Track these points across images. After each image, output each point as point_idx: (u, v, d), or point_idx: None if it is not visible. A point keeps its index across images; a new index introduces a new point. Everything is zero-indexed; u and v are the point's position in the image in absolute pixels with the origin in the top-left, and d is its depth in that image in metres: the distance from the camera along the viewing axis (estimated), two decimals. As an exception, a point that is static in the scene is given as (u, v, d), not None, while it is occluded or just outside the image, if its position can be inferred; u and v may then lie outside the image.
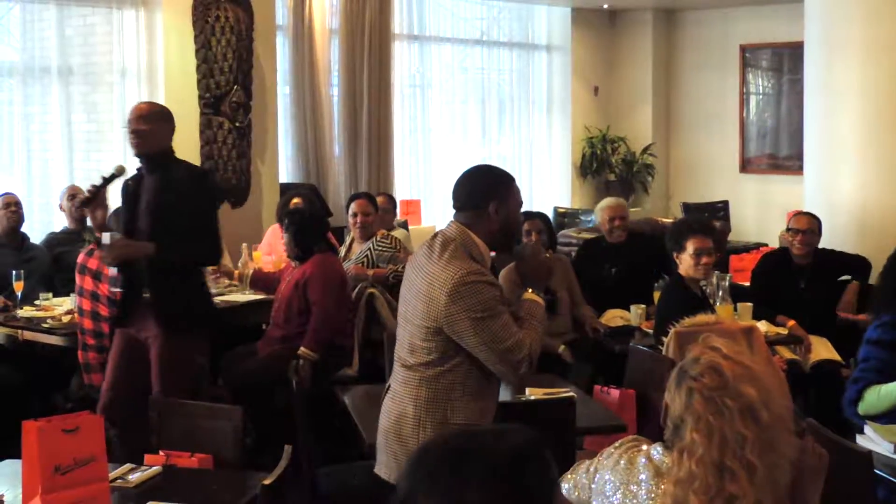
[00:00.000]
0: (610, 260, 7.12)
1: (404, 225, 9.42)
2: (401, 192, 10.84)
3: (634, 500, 2.54)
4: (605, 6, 13.01)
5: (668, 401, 2.56)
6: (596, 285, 6.95)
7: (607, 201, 7.52)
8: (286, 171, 9.97)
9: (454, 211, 3.77)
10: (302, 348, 6.03)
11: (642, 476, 2.55)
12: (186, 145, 8.34)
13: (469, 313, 3.49)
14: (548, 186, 13.07)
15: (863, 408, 4.22)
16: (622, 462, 2.61)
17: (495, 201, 3.66)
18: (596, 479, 2.65)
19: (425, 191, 11.80)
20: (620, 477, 2.59)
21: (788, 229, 6.79)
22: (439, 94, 12.18)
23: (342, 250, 7.47)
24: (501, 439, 1.87)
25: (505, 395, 4.11)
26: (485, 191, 3.71)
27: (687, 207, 11.95)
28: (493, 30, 12.79)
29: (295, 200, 7.64)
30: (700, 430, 2.44)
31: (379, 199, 8.24)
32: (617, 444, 2.73)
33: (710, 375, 2.47)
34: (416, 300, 3.62)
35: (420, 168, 11.92)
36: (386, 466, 3.73)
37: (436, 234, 3.72)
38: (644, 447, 2.65)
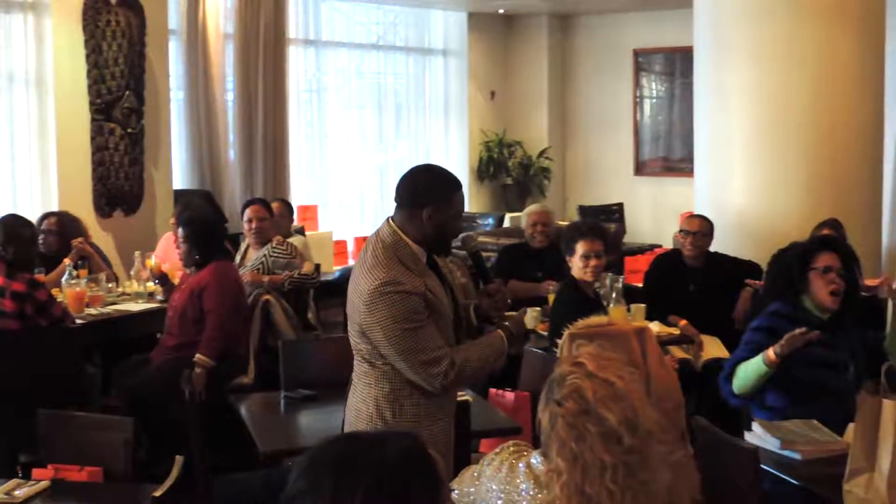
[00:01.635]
0: (534, 264, 7.17)
1: (301, 231, 9.37)
2: (297, 198, 10.79)
3: None
4: (501, 11, 13.10)
5: (539, 414, 2.55)
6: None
7: (532, 207, 7.64)
8: (180, 177, 9.86)
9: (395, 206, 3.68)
10: (197, 356, 5.96)
11: (523, 486, 2.54)
12: (77, 152, 8.24)
13: (382, 324, 3.41)
14: (445, 191, 13.10)
15: (736, 385, 4.33)
16: (503, 470, 2.61)
17: (431, 206, 3.54)
18: (479, 487, 2.65)
19: (322, 196, 11.76)
20: (502, 486, 2.59)
21: (680, 231, 6.91)
22: (335, 99, 12.17)
23: (237, 257, 7.41)
24: (386, 445, 1.88)
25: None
26: (423, 193, 3.59)
27: (583, 210, 12.09)
28: (390, 34, 12.80)
29: (187, 208, 7.57)
30: (564, 456, 2.42)
31: (275, 206, 8.18)
32: (497, 449, 2.71)
33: (572, 400, 2.44)
34: (351, 298, 3.57)
35: (317, 173, 11.88)
36: None
37: (375, 233, 3.64)
38: (525, 453, 2.65)
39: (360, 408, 3.58)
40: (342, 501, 1.80)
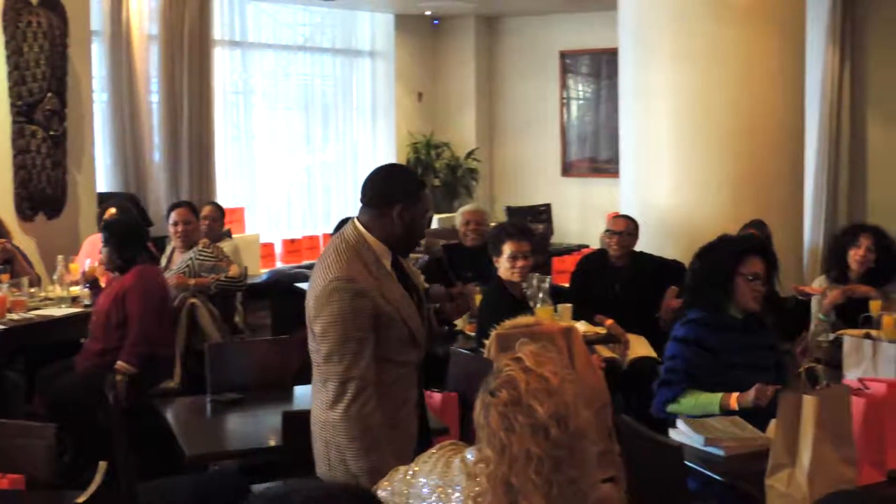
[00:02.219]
0: (467, 264, 7.19)
1: (228, 234, 9.30)
2: (224, 201, 10.70)
3: (448, 501, 2.55)
4: (428, 13, 13.11)
5: (475, 409, 2.57)
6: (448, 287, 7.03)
7: (466, 207, 7.70)
8: (104, 180, 9.74)
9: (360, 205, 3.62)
10: (119, 362, 5.89)
11: (457, 480, 2.56)
12: (-3, 155, 8.09)
13: (327, 320, 3.37)
14: (373, 192, 13.07)
15: (680, 408, 4.35)
16: (439, 466, 2.63)
17: (401, 205, 3.51)
18: (414, 484, 2.66)
19: (249, 199, 11.69)
20: (437, 480, 2.60)
21: (606, 231, 6.96)
22: (262, 101, 12.10)
23: (163, 260, 7.34)
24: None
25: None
26: (392, 193, 3.55)
27: (511, 211, 12.13)
28: (317, 36, 12.75)
29: (110, 211, 7.49)
30: (493, 446, 2.44)
31: (206, 209, 8.14)
32: (434, 448, 2.73)
33: (505, 390, 2.45)
34: (307, 298, 3.52)
35: (243, 176, 11.80)
36: (318, 469, 3.53)
37: (339, 234, 3.59)
38: (460, 451, 2.67)
39: (316, 415, 3.53)
40: None
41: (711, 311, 4.51)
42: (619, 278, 6.83)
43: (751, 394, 4.23)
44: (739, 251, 4.58)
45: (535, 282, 6.12)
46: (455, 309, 3.78)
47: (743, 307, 4.49)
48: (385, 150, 13.18)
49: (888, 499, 3.53)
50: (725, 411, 4.26)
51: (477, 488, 2.47)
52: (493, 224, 7.63)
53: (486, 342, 5.17)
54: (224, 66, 11.34)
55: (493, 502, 2.42)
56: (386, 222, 3.52)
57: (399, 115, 13.17)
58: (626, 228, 6.89)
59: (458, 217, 7.58)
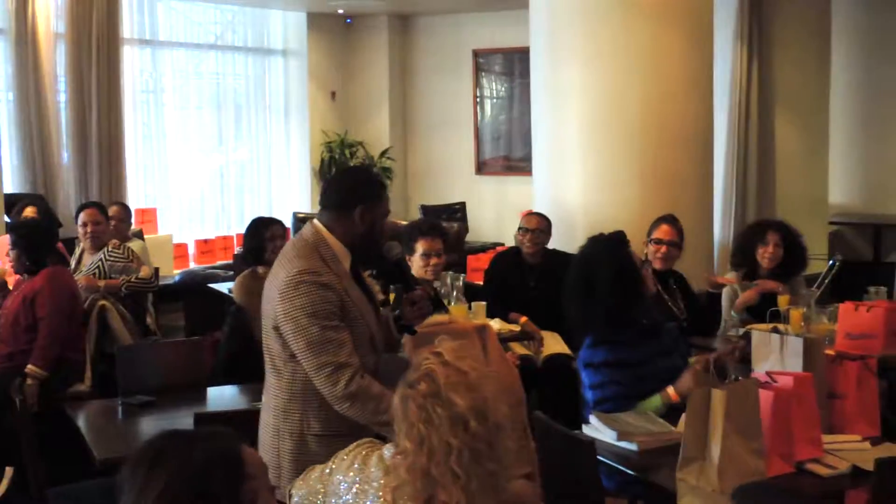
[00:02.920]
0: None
1: (139, 234, 9.19)
2: (135, 201, 10.57)
3: (365, 498, 2.55)
4: (341, 11, 13.06)
5: (393, 402, 2.58)
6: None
7: None
8: (11, 180, 9.56)
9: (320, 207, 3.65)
10: (28, 366, 5.80)
11: (375, 474, 2.56)
12: None
13: (295, 314, 3.35)
14: (287, 192, 13.01)
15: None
16: (356, 463, 2.62)
17: (362, 206, 3.52)
18: (331, 482, 2.65)
19: (161, 199, 11.55)
20: (354, 477, 2.60)
21: (519, 228, 7.00)
22: (173, 100, 11.97)
23: (73, 261, 7.23)
24: (196, 444, 2.06)
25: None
26: (353, 194, 3.55)
27: (425, 210, 12.15)
28: (228, 34, 12.64)
29: (28, 212, 7.37)
30: (412, 438, 2.45)
31: (113, 209, 8.02)
32: (352, 446, 2.73)
33: (424, 382, 2.47)
34: (267, 293, 3.51)
35: (155, 176, 11.66)
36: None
37: (298, 233, 3.59)
38: (377, 448, 2.67)
39: (266, 420, 3.53)
40: (147, 490, 1.99)
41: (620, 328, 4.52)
42: (532, 276, 6.87)
43: (687, 380, 4.28)
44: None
45: (448, 280, 6.13)
46: (414, 312, 3.75)
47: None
48: (299, 150, 13.11)
49: (797, 489, 3.60)
50: (668, 405, 4.30)
51: (395, 482, 2.47)
52: (403, 223, 7.63)
53: (402, 341, 5.18)
54: (134, 64, 11.19)
55: (412, 494, 2.43)
56: (347, 224, 3.52)
57: (313, 114, 13.11)
58: (539, 226, 6.94)
59: None
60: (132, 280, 7.06)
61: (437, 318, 5.26)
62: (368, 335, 3.53)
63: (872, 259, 11.05)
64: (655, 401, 4.32)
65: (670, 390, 4.32)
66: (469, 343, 3.62)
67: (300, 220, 11.93)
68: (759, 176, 10.70)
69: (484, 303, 6.39)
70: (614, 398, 4.35)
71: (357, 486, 2.58)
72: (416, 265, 5.75)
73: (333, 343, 3.36)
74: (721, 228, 10.22)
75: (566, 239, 7.19)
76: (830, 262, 6.39)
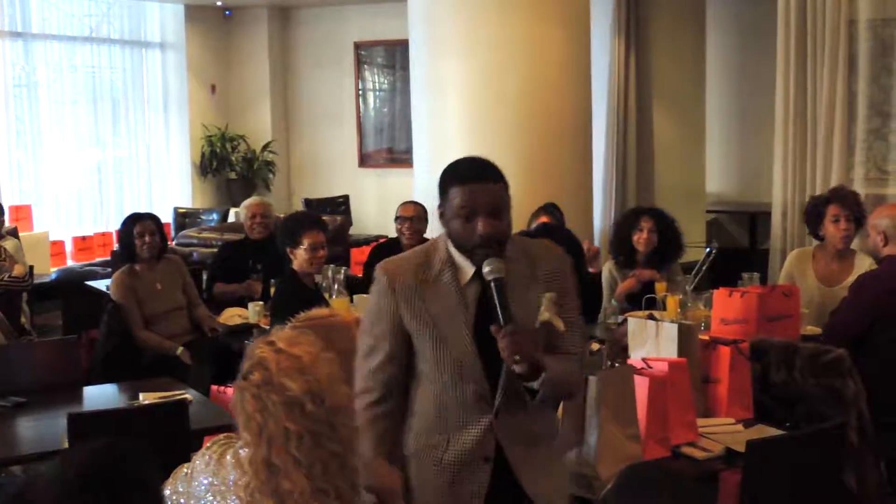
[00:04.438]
0: (254, 257, 7.08)
1: (13, 232, 8.96)
2: (9, 198, 10.31)
3: (225, 500, 2.51)
4: (219, 3, 12.91)
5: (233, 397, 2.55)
6: (241, 281, 6.95)
7: (250, 200, 7.57)
8: None
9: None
10: None
11: (231, 476, 2.51)
12: None
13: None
14: (167, 187, 12.82)
15: None
16: (213, 463, 2.57)
17: (441, 203, 3.01)
18: (192, 484, 2.60)
19: (37, 195, 11.29)
20: (211, 478, 2.55)
21: (397, 218, 6.99)
22: (48, 94, 11.69)
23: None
24: (69, 460, 2.01)
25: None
26: (439, 189, 3.06)
27: (308, 203, 12.09)
28: (103, 26, 12.39)
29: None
30: (251, 429, 2.42)
31: (-16, 207, 7.82)
32: (209, 443, 2.68)
33: (256, 371, 2.45)
34: None
35: (30, 172, 11.39)
36: None
37: None
38: (233, 444, 2.61)
39: None
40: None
41: None
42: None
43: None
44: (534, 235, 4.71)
45: (330, 273, 6.10)
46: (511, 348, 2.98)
47: None
48: (179, 144, 12.93)
49: (673, 472, 3.66)
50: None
51: (244, 479, 2.44)
52: (280, 216, 7.57)
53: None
54: (6, 57, 10.93)
55: (257, 486, 2.40)
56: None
57: (192, 108, 12.93)
58: (415, 213, 6.95)
59: (242, 211, 7.47)
60: (5, 279, 6.89)
61: (319, 311, 5.25)
62: (451, 360, 2.95)
63: (748, 246, 11.30)
64: None
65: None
66: (334, 336, 3.59)
67: (181, 215, 11.77)
68: (638, 166, 10.86)
69: (367, 295, 6.35)
70: None
71: (215, 487, 2.53)
72: (301, 258, 5.70)
73: (361, 351, 3.08)
74: (601, 217, 10.35)
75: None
76: (707, 249, 6.50)
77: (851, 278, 5.77)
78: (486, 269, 2.89)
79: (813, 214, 6.14)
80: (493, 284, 2.87)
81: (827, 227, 5.99)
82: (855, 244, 6.30)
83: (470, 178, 2.97)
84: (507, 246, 2.96)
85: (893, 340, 5.03)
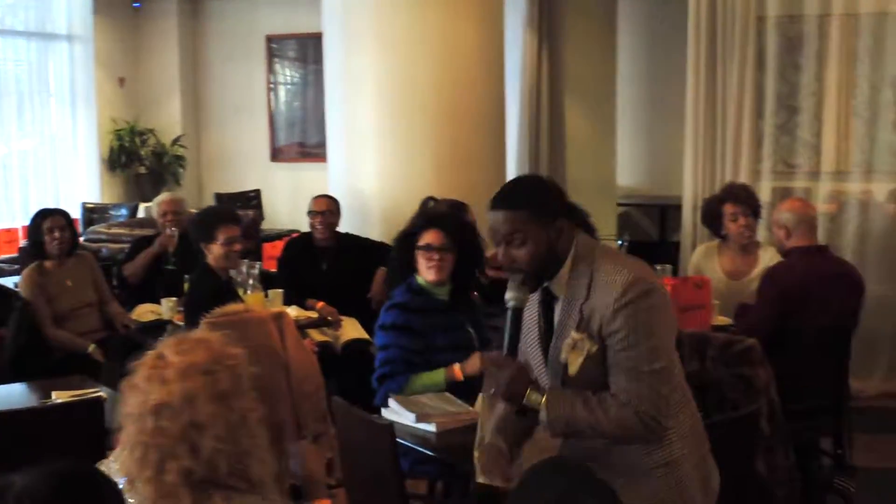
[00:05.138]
0: (165, 253, 7.00)
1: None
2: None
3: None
4: (128, -6, 12.73)
5: None
6: (151, 279, 6.86)
7: (162, 196, 7.49)
8: None
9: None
10: None
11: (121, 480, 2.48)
12: None
13: None
14: (75, 182, 12.57)
15: (408, 392, 4.39)
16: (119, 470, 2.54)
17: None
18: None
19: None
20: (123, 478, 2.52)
21: (309, 212, 6.96)
22: (-51, 88, 11.41)
23: None
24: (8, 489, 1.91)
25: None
26: None
27: (220, 198, 11.98)
28: (7, 18, 12.10)
29: None
30: (122, 434, 2.39)
31: None
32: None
33: (136, 373, 2.40)
34: None
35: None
36: None
37: None
38: None
39: None
40: None
41: (414, 294, 4.60)
42: (325, 259, 6.86)
43: (475, 362, 4.34)
44: (414, 227, 4.74)
45: (244, 268, 6.06)
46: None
47: (424, 278, 4.59)
48: (86, 139, 12.68)
49: (582, 463, 3.69)
50: (451, 383, 4.35)
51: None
52: (192, 211, 7.50)
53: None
54: None
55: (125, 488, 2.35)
56: None
57: (101, 102, 12.70)
58: (328, 207, 6.93)
59: (154, 207, 7.39)
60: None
61: (234, 307, 5.21)
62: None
63: (658, 239, 11.44)
64: (439, 375, 4.38)
65: (456, 368, 4.38)
66: (249, 332, 3.52)
67: (89, 211, 11.58)
68: (550, 159, 10.94)
69: (281, 290, 6.34)
70: (395, 361, 4.41)
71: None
72: (218, 253, 5.65)
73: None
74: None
75: (361, 224, 7.21)
76: (619, 241, 6.59)
77: (757, 270, 5.91)
78: (507, 295, 2.93)
79: (711, 216, 6.29)
80: (508, 312, 2.92)
81: (727, 226, 6.14)
82: (761, 235, 6.44)
83: (492, 203, 2.98)
84: (567, 268, 2.93)
85: (801, 330, 5.15)
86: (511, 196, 2.97)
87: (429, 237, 4.61)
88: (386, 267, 6.62)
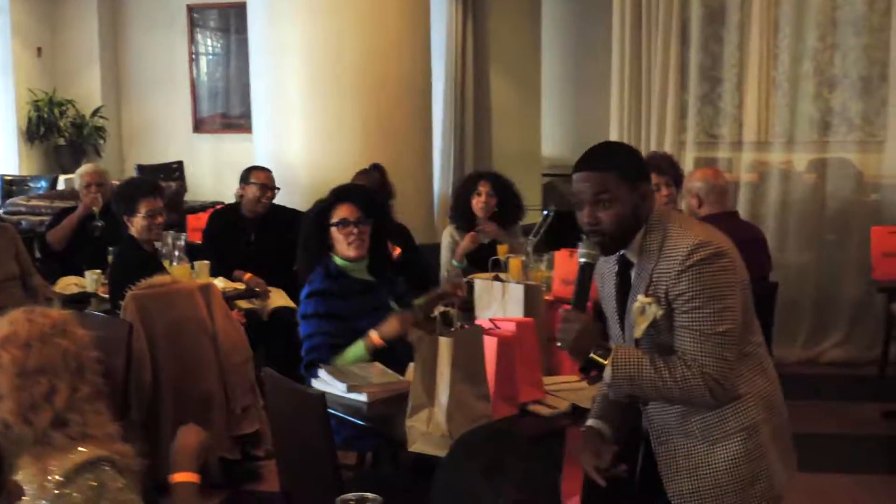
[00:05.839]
0: (89, 224, 6.89)
1: None
2: None
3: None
4: (45, -37, 12.48)
5: None
6: (74, 249, 6.76)
7: (85, 168, 7.33)
8: None
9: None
10: None
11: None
12: None
13: None
14: (-8, 154, 12.38)
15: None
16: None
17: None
18: None
19: None
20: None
21: (251, 184, 6.83)
22: None
23: None
24: None
25: None
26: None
27: (142, 169, 11.84)
28: (-80, -13, 11.85)
29: None
30: None
31: None
32: None
33: None
34: None
35: None
36: None
37: None
38: None
39: None
40: None
41: (333, 280, 4.52)
42: (253, 231, 6.80)
43: (392, 324, 4.31)
44: (326, 204, 4.61)
45: (170, 240, 5.99)
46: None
47: (345, 256, 4.53)
48: (4, 110, 12.47)
49: (511, 430, 3.71)
50: (373, 351, 4.31)
51: None
52: (115, 182, 7.39)
53: (123, 304, 5.03)
54: None
55: None
56: None
57: (18, 72, 12.47)
58: (271, 180, 6.86)
59: (77, 178, 7.26)
60: None
61: (160, 279, 5.17)
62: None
63: (583, 209, 11.52)
64: (359, 348, 4.34)
65: (373, 334, 4.34)
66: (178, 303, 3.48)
67: (8, 183, 11.37)
68: (475, 130, 10.94)
69: (207, 262, 6.27)
70: (320, 348, 4.36)
71: None
72: (140, 225, 5.57)
73: None
74: (440, 181, 10.41)
75: (288, 195, 7.15)
76: (545, 212, 6.61)
77: (679, 241, 5.97)
78: (581, 251, 2.95)
79: None
80: (580, 266, 2.95)
81: None
82: (683, 204, 6.51)
83: (578, 165, 3.00)
84: (641, 234, 2.95)
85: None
86: (601, 157, 2.99)
87: (342, 212, 4.52)
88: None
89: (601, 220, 2.91)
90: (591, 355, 2.90)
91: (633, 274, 3.00)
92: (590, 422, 3.15)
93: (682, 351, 2.88)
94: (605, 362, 2.89)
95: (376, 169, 6.96)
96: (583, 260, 2.95)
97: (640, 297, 2.91)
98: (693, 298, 2.84)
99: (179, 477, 2.69)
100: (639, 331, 2.93)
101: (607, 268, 3.10)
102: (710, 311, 2.84)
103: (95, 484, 2.39)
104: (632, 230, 2.95)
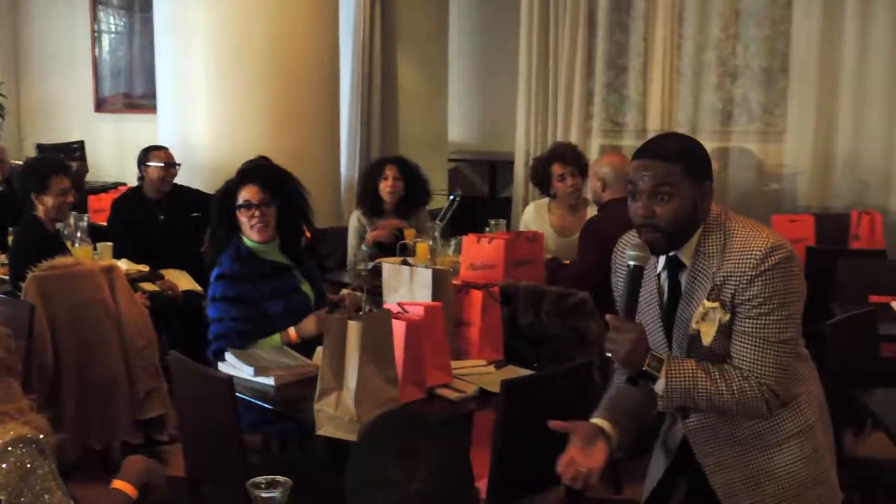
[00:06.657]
0: None
1: None
2: None
3: None
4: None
5: None
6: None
7: None
8: None
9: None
10: None
11: None
12: None
13: None
14: None
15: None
16: None
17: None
18: None
19: None
20: None
21: (157, 165, 6.73)
22: None
23: None
24: None
25: None
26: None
27: (42, 148, 11.60)
28: None
29: None
30: None
31: None
32: None
33: None
34: None
35: None
36: None
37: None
38: None
39: None
40: None
41: (243, 262, 4.48)
42: (159, 212, 6.72)
43: (310, 323, 4.32)
44: (230, 185, 4.56)
45: (73, 220, 5.90)
46: None
47: (250, 238, 4.50)
48: None
49: (423, 413, 3.73)
50: (288, 346, 4.31)
51: None
52: (18, 163, 7.25)
53: (24, 285, 4.94)
54: None
55: None
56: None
57: (-89, 47, 12.14)
58: (167, 160, 6.79)
59: None
60: None
61: (62, 260, 5.09)
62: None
63: (488, 194, 11.57)
64: (275, 340, 4.34)
65: (291, 331, 4.35)
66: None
67: None
68: (382, 114, 10.91)
69: (110, 244, 6.18)
70: (229, 334, 4.33)
71: None
72: (50, 204, 5.46)
73: None
74: (347, 166, 10.38)
75: (192, 176, 7.09)
76: (451, 196, 6.64)
77: (585, 227, 6.05)
78: (629, 254, 2.76)
79: (539, 176, 6.44)
80: (629, 270, 2.76)
81: (556, 186, 6.33)
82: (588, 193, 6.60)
83: (640, 152, 2.80)
84: (699, 234, 2.77)
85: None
86: (667, 147, 2.78)
87: (246, 193, 4.46)
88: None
89: (657, 214, 2.72)
90: (645, 367, 2.72)
91: (684, 277, 2.82)
92: (595, 419, 2.95)
93: (741, 358, 2.74)
94: (659, 374, 2.72)
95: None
96: (632, 263, 2.76)
97: (705, 303, 2.75)
98: (763, 304, 2.69)
99: (119, 484, 2.68)
100: (708, 338, 2.76)
101: (645, 279, 2.87)
102: (777, 317, 2.69)
103: (18, 465, 2.36)
104: (687, 229, 2.76)
